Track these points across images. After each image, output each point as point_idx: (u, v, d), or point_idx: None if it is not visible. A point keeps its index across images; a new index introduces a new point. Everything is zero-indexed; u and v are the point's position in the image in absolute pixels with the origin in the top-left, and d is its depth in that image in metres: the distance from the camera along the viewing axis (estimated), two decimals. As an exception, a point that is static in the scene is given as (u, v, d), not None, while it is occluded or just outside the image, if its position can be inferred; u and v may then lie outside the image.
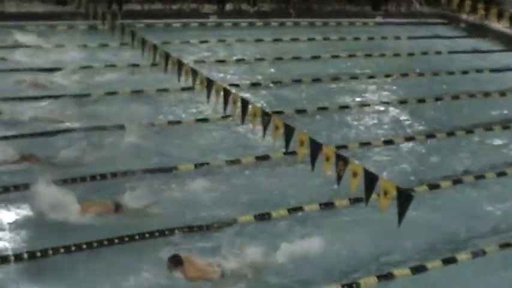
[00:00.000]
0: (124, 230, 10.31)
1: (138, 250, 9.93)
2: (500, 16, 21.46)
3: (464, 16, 26.38)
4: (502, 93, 19.02)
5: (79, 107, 15.27)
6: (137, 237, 10.22)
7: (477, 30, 25.96)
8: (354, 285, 9.55)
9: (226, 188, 12.32)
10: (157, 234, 10.36)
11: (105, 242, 10.00)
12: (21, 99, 15.27)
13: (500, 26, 24.48)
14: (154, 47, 14.57)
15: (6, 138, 13.33)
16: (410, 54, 22.34)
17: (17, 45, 18.97)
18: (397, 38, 24.38)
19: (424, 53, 22.58)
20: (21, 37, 19.76)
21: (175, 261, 9.25)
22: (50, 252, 9.61)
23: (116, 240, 10.06)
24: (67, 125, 14.18)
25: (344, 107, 16.89)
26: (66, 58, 18.48)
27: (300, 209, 11.60)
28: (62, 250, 9.70)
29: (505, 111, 17.67)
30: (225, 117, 14.43)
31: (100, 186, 11.78)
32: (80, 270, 9.43)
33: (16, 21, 20.94)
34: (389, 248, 10.81)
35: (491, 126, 16.33)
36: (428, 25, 26.97)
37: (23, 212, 10.75)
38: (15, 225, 10.37)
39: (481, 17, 24.04)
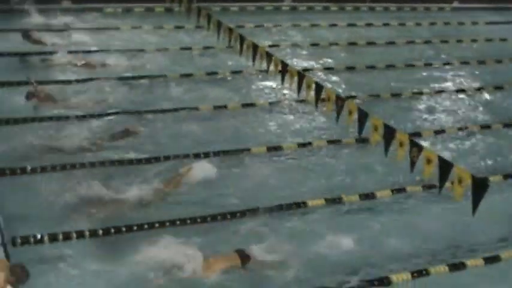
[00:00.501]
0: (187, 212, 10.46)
1: (199, 233, 10.02)
2: None
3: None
4: None
5: (154, 88, 15.43)
6: (199, 220, 10.31)
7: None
8: (424, 272, 9.52)
9: (297, 171, 12.36)
10: (219, 217, 10.44)
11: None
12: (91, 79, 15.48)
13: None
14: (230, 30, 14.67)
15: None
16: (488, 41, 21.88)
17: (93, 28, 19.23)
18: (475, 23, 23.95)
19: (503, 40, 22.10)
20: (98, 19, 20.06)
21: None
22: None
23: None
24: (139, 106, 14.33)
25: (418, 93, 16.66)
26: (142, 40, 18.68)
27: (371, 194, 11.52)
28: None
29: None
30: (298, 101, 14.43)
31: (168, 167, 11.82)
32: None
33: (94, 3, 21.19)
34: (462, 236, 10.71)
35: None
36: (507, 10, 26.40)
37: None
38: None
39: None
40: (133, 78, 15.74)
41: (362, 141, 12.59)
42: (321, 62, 18.15)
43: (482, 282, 9.68)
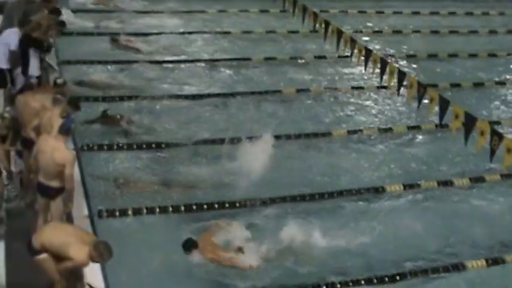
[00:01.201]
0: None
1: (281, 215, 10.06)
2: None
3: None
4: None
5: (238, 71, 15.52)
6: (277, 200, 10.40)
7: None
8: (500, 260, 9.41)
9: (377, 155, 12.35)
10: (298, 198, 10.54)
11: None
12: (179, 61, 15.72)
13: None
14: (315, 15, 14.60)
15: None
16: None
17: (178, 11, 19.39)
18: None
19: None
20: (180, 4, 20.16)
21: (189, 246, 8.86)
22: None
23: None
24: (223, 88, 14.46)
25: (500, 83, 16.29)
26: (228, 23, 18.71)
27: (449, 182, 11.40)
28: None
29: None
30: (380, 87, 14.33)
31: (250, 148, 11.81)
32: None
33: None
34: None
35: None
36: None
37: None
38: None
39: None
40: (218, 60, 15.85)
41: (442, 127, 12.37)
42: (403, 49, 17.89)
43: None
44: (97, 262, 7.13)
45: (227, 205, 10.12)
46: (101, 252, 6.81)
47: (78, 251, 6.79)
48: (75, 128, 9.58)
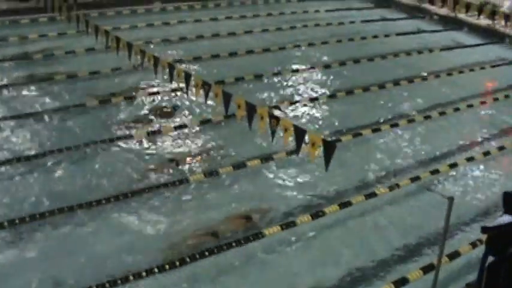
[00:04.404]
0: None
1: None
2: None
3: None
4: (408, 53, 19.33)
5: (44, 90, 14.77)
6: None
7: (382, 1, 26.07)
8: (292, 224, 9.62)
9: (176, 145, 12.45)
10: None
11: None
12: None
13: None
14: (106, 32, 14.15)
15: None
16: (329, 25, 22.07)
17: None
18: (317, 11, 23.98)
19: (341, 23, 22.32)
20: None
21: None
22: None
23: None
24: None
25: (276, 74, 16.72)
26: (29, 48, 17.67)
27: (242, 164, 11.63)
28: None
29: (409, 68, 17.97)
30: (173, 89, 14.34)
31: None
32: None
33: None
34: (320, 187, 11.13)
35: (398, 81, 16.61)
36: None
37: None
38: None
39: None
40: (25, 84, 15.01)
41: (229, 117, 12.43)
42: (190, 53, 17.77)
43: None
44: None
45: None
46: None
47: None
48: None
